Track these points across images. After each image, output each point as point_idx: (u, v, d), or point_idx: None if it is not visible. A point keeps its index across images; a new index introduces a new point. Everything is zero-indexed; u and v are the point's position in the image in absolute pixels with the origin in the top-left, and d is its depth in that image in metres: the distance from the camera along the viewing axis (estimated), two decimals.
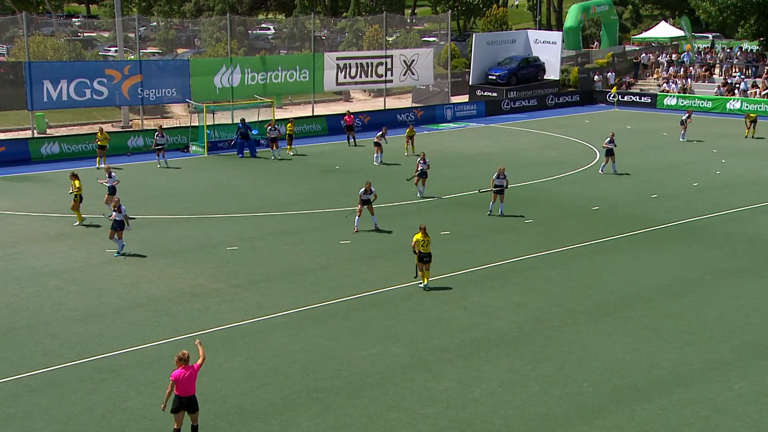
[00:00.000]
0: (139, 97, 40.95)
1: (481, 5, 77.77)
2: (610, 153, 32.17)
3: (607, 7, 63.10)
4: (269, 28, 69.13)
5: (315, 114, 46.15)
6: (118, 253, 21.99)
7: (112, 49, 55.50)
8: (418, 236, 19.30)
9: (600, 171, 32.64)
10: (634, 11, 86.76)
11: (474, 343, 16.53)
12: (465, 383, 14.77)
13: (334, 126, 44.14)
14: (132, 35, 49.99)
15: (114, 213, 21.94)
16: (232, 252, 22.69)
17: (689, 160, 35.32)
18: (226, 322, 17.64)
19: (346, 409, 13.87)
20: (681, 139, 39.93)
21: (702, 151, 37.57)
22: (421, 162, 28.50)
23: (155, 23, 66.30)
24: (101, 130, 35.56)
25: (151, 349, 16.26)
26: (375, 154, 35.31)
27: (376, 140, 35.42)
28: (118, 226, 21.91)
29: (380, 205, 26.36)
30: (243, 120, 38.08)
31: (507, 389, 14.56)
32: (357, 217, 24.43)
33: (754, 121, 41.19)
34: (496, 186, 25.72)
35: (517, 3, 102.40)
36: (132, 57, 46.76)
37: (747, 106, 49.43)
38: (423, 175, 28.40)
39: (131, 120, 44.66)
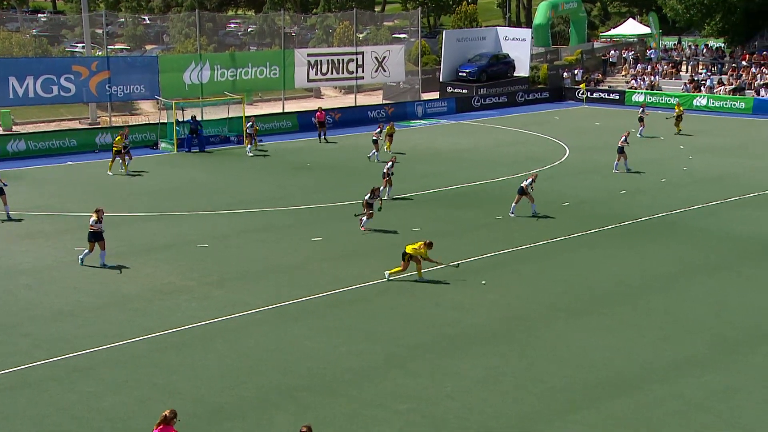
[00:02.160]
0: (107, 93, 40.57)
1: (450, 2, 78.02)
2: (621, 151, 32.34)
3: (575, 5, 63.67)
4: (239, 25, 68.87)
5: (286, 111, 46.06)
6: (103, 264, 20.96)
7: (79, 45, 54.88)
8: (418, 243, 19.85)
9: (614, 170, 32.42)
10: (602, 8, 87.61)
11: (449, 340, 16.60)
12: (440, 380, 14.84)
13: (305, 123, 44.11)
14: (99, 31, 49.44)
15: (94, 223, 20.65)
16: (205, 250, 22.57)
17: (656, 156, 35.78)
18: (200, 320, 17.53)
19: (322, 407, 13.87)
20: (638, 135, 40.02)
21: (669, 148, 38.07)
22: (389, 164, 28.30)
23: (123, 19, 65.63)
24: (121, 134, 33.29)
25: (125, 348, 16.16)
26: (373, 152, 35.07)
27: (374, 137, 35.23)
28: (98, 237, 20.74)
29: (352, 202, 26.42)
30: (194, 117, 38.54)
31: (482, 385, 14.63)
32: (366, 218, 24.25)
33: (679, 116, 41.51)
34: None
35: None
36: (99, 53, 46.24)
37: (713, 103, 50.26)
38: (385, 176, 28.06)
39: (99, 117, 44.23)
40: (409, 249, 19.75)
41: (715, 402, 14.04)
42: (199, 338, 16.66)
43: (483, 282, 19.74)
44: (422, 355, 15.95)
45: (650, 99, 51.99)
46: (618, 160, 32.52)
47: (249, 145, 36.98)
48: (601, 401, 14.06)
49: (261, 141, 38.47)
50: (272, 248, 22.92)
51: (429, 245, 19.77)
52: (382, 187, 27.78)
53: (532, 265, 21.30)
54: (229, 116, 41.30)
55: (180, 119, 38.81)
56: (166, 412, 11.39)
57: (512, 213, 25.75)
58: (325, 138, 40.34)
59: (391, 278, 19.91)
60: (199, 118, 39.56)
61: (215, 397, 14.23)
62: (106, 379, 14.81)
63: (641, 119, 40.81)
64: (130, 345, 16.29)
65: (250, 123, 37.49)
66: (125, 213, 26.24)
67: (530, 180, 25.83)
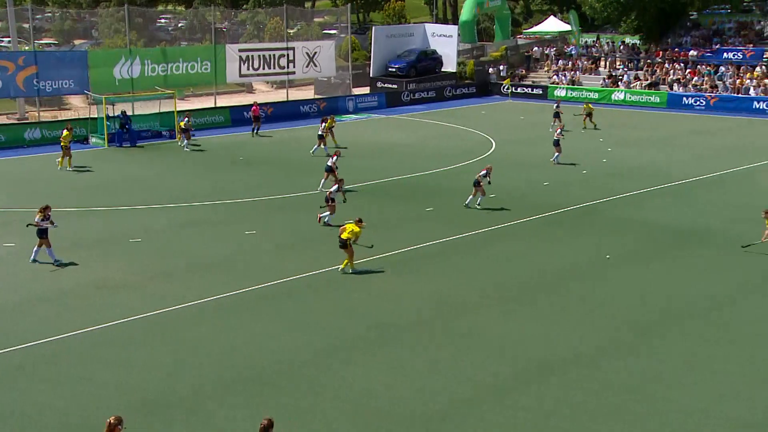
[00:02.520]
0: (35, 88, 40.14)
1: None
2: (557, 144, 33.59)
3: (499, 2, 65.39)
4: (169, 20, 68.43)
5: (218, 105, 46.27)
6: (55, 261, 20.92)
7: (5, 39, 53.79)
8: (348, 225, 20.19)
9: (553, 162, 33.58)
10: (525, 6, 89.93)
11: (383, 330, 16.91)
12: (376, 369, 15.10)
13: (237, 117, 44.49)
14: (26, 25, 48.61)
15: (40, 220, 20.70)
16: (140, 244, 22.69)
17: (578, 148, 37.24)
18: (136, 313, 17.61)
19: (258, 399, 14.00)
20: (550, 129, 40.84)
21: (589, 140, 39.69)
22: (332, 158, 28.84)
23: (50, 13, 64.38)
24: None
25: (62, 343, 16.15)
26: (315, 147, 35.40)
27: (320, 132, 35.58)
28: (43, 234, 20.81)
29: (292, 195, 26.91)
30: (124, 112, 38.58)
31: (417, 374, 14.93)
32: (329, 214, 24.32)
33: (590, 114, 42.68)
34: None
35: None
36: (27, 48, 45.56)
37: (630, 97, 52.57)
38: (329, 170, 28.61)
39: (27, 112, 43.65)
40: (345, 235, 19.98)
41: (637, 382, 14.62)
42: (136, 332, 16.72)
43: (608, 256, 21.23)
44: (357, 345, 16.21)
45: (571, 93, 54.05)
46: (558, 153, 33.63)
47: (185, 140, 37.18)
48: (529, 385, 14.56)
49: (194, 135, 38.68)
50: (207, 242, 23.00)
51: (359, 221, 20.25)
52: (323, 180, 28.51)
53: (462, 256, 21.93)
54: (161, 111, 41.41)
55: (110, 114, 38.76)
56: (111, 419, 11.06)
57: (467, 205, 26.33)
58: (257, 132, 40.78)
59: (345, 271, 20.18)
60: (130, 113, 39.54)
61: (152, 390, 14.28)
62: (42, 375, 14.80)
63: (557, 114, 42.29)
64: (67, 340, 16.25)
65: (187, 118, 37.71)
66: (57, 209, 25.99)
67: (484, 172, 26.51)
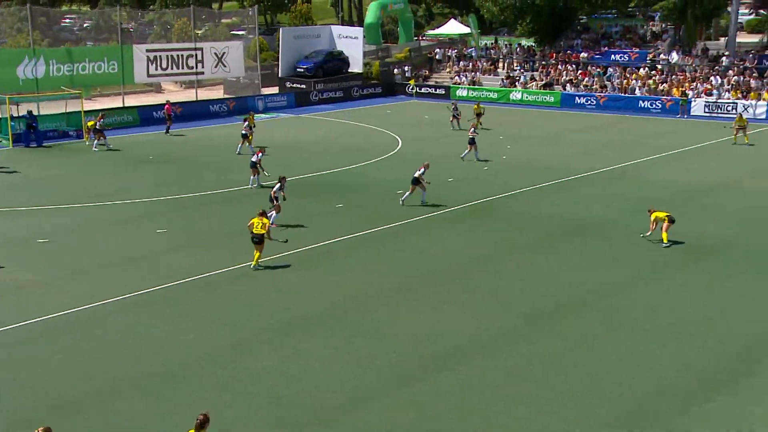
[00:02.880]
0: None
1: (286, 1, 79.81)
2: (472, 142, 34.87)
3: (402, 5, 67.31)
4: (74, 20, 67.35)
5: (126, 105, 46.32)
6: None
7: None
8: (255, 219, 20.50)
9: (461, 157, 34.75)
10: (427, 9, 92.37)
11: (292, 323, 17.27)
12: (285, 361, 15.43)
13: (146, 117, 44.76)
14: None
15: None
16: (53, 244, 22.70)
17: (479, 146, 38.95)
18: (50, 312, 17.70)
19: (171, 394, 14.18)
20: (452, 129, 42.65)
21: (489, 138, 41.38)
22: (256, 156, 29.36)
23: None
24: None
25: None
26: (240, 145, 35.98)
27: (243, 131, 36.16)
28: None
29: (203, 193, 27.38)
30: (30, 112, 38.62)
31: (324, 364, 15.35)
32: (275, 213, 24.12)
33: (479, 114, 43.30)
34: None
35: None
36: None
37: (527, 97, 55.22)
38: (253, 166, 29.18)
39: None
40: (258, 230, 20.25)
41: (532, 368, 15.27)
42: (49, 332, 16.80)
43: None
44: (267, 338, 16.50)
45: (472, 93, 56.36)
46: (469, 150, 34.95)
47: (99, 140, 37.25)
48: (431, 373, 15.05)
49: (92, 137, 38.53)
50: (117, 241, 23.10)
51: (262, 215, 20.62)
52: (252, 176, 29.02)
53: (368, 250, 22.50)
54: (67, 111, 41.29)
55: (15, 114, 38.47)
56: (39, 430, 10.79)
57: (403, 202, 26.92)
58: (168, 130, 41.16)
59: (257, 267, 20.53)
60: (36, 113, 39.31)
61: (67, 389, 14.30)
62: None
63: (455, 116, 43.55)
64: None
65: (102, 118, 37.80)
66: None
67: (422, 170, 27.10)
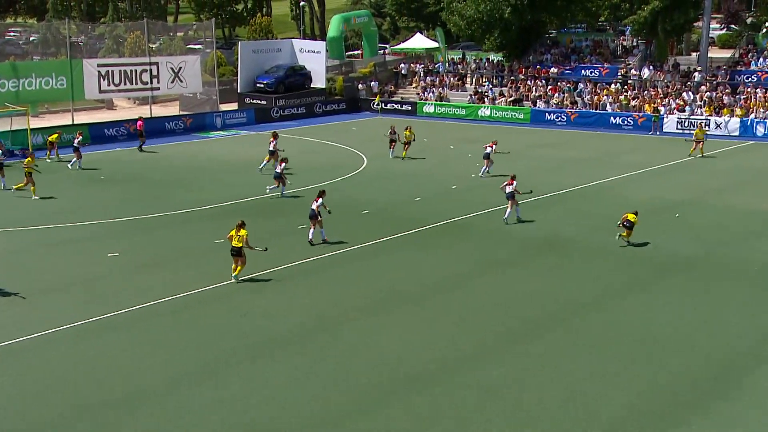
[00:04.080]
0: None
1: (245, 14, 77.98)
2: (487, 156, 34.32)
3: (366, 18, 65.89)
4: (20, 33, 64.88)
5: (76, 122, 44.03)
6: None
7: None
8: (233, 231, 20.26)
9: (480, 175, 34.36)
10: (392, 23, 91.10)
11: (257, 347, 16.76)
12: (249, 387, 14.96)
13: (97, 135, 42.71)
14: None
15: None
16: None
17: (448, 163, 37.77)
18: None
19: (125, 424, 13.57)
20: (390, 156, 38.94)
21: (458, 156, 40.31)
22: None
23: None
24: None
25: None
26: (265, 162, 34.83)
27: (271, 149, 34.81)
28: None
29: (158, 214, 25.78)
30: None
31: (290, 389, 14.90)
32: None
33: (408, 143, 38.94)
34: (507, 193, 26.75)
35: None
36: None
37: (495, 113, 53.91)
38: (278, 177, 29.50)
39: None
40: (236, 243, 20.10)
41: (504, 389, 14.99)
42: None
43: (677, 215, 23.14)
44: (233, 363, 15.99)
45: (440, 110, 54.90)
46: (486, 167, 34.54)
47: (75, 159, 35.80)
48: (402, 396, 14.69)
49: (53, 154, 37.08)
50: (69, 263, 22.18)
51: (240, 226, 20.28)
52: (276, 186, 29.19)
53: (337, 270, 21.92)
54: (12, 129, 39.10)
55: None
56: None
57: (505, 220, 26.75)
58: (141, 147, 40.26)
59: (239, 279, 20.39)
60: None
61: (7, 422, 13.63)
62: None
63: (392, 140, 38.97)
64: None
65: (79, 135, 36.55)
66: None
67: (512, 184, 26.73)
